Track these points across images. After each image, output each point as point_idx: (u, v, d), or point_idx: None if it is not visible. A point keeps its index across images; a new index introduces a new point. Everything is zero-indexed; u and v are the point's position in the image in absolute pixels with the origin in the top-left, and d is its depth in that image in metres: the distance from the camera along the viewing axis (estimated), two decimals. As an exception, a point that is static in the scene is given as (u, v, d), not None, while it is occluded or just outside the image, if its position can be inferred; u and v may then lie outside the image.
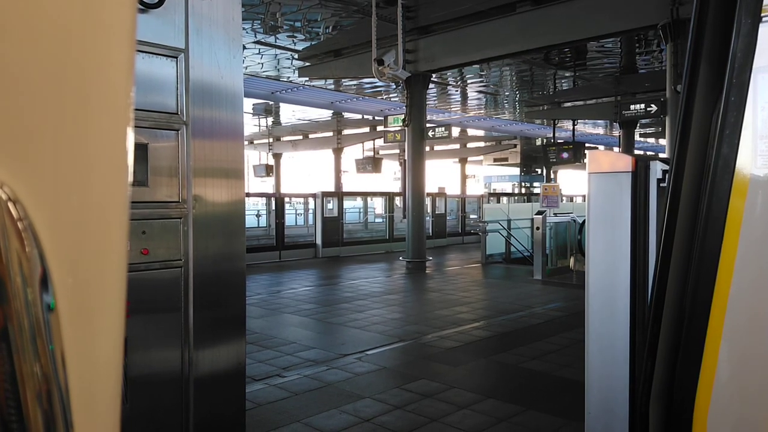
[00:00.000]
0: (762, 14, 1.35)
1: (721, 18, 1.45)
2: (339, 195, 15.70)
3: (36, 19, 0.37)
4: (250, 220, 19.14)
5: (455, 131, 24.57)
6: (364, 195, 20.95)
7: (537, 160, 28.62)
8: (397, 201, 17.49)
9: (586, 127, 25.03)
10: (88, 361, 0.44)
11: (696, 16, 1.47)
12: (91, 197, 0.41)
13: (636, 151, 24.57)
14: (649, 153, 28.40)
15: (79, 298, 0.42)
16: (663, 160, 2.09)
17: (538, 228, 10.77)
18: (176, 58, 2.67)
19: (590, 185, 2.19)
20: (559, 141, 19.15)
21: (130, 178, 0.45)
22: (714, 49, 1.46)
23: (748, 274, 1.36)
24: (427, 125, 13.09)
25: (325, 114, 22.02)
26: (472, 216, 20.10)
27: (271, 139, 26.58)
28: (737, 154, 1.36)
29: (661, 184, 2.03)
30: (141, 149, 2.56)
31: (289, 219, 20.04)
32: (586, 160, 2.28)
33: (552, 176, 29.07)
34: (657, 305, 1.52)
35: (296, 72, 14.81)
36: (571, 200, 21.28)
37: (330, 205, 14.79)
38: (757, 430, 1.36)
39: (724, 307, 1.38)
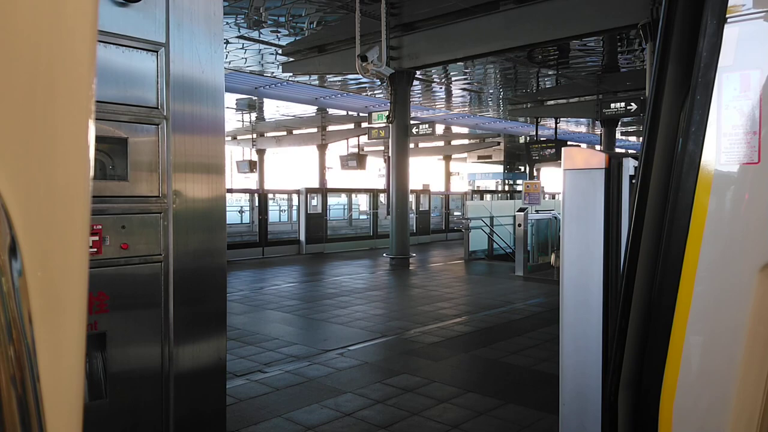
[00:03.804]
0: (726, 15, 1.39)
1: (689, 19, 1.49)
2: (323, 191, 15.68)
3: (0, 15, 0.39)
4: (233, 216, 19.05)
5: (439, 128, 24.66)
6: (349, 191, 20.95)
7: (520, 157, 28.82)
8: (382, 198, 17.51)
9: (569, 125, 25.27)
10: (56, 352, 0.45)
11: (664, 18, 1.52)
12: (55, 187, 0.42)
13: (618, 150, 24.85)
14: (630, 151, 28.76)
15: (48, 288, 0.44)
16: (635, 157, 2.14)
17: (519, 225, 10.88)
18: (156, 52, 2.66)
19: (565, 181, 2.23)
20: (542, 139, 19.30)
21: (92, 169, 0.46)
22: (681, 49, 1.51)
23: (712, 267, 1.41)
24: (412, 122, 13.12)
25: (310, 110, 21.95)
26: (455, 213, 20.20)
27: (254, 135, 26.42)
28: (702, 151, 1.41)
29: (633, 181, 2.08)
30: (121, 144, 2.55)
31: (273, 215, 19.96)
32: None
33: (535, 174, 29.29)
34: (626, 298, 1.57)
35: (280, 67, 14.75)
36: (553, 197, 21.48)
37: (314, 202, 14.77)
38: (721, 417, 1.41)
39: (689, 299, 1.42)
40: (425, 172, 32.28)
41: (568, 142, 20.70)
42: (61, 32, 0.41)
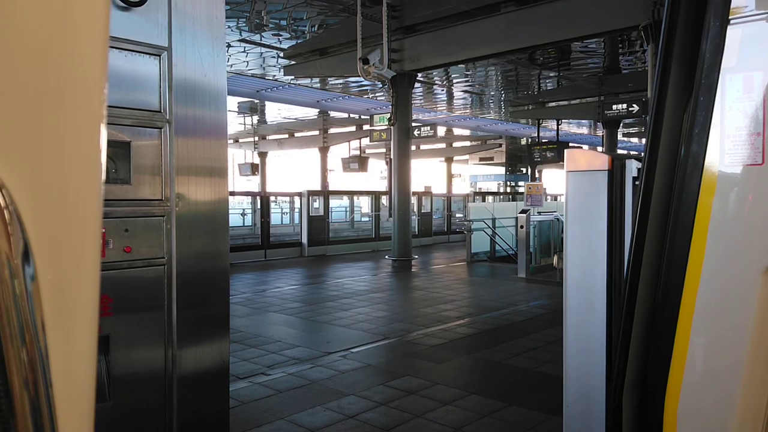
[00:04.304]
0: (729, 17, 1.39)
1: (691, 21, 1.49)
2: (325, 194, 15.70)
3: (13, 20, 0.39)
4: (236, 219, 19.07)
5: (441, 130, 24.67)
6: (351, 194, 20.96)
7: (522, 159, 28.84)
8: (384, 200, 17.52)
9: (571, 127, 25.26)
10: (68, 355, 0.45)
11: (667, 19, 1.52)
12: (68, 191, 0.43)
13: (620, 151, 24.84)
14: (633, 153, 28.75)
15: (59, 292, 0.44)
16: (638, 159, 2.14)
17: (522, 226, 10.87)
18: (159, 56, 2.66)
19: (568, 183, 2.23)
20: (543, 141, 19.30)
21: (104, 174, 0.46)
22: (684, 51, 1.51)
23: (716, 268, 1.41)
24: (413, 124, 13.12)
25: (311, 113, 21.99)
26: (457, 215, 20.19)
27: (256, 138, 26.47)
28: (706, 153, 1.41)
29: (637, 182, 2.08)
30: (124, 147, 2.55)
31: (275, 218, 19.97)
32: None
33: (537, 175, 29.28)
34: (630, 300, 1.57)
35: (282, 70, 14.77)
36: (555, 199, 21.47)
37: (316, 204, 14.78)
38: (726, 418, 1.41)
39: (693, 301, 1.42)
40: (427, 174, 32.28)
41: (570, 144, 20.69)
42: (72, 37, 0.41)
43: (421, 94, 18.14)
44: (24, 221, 0.39)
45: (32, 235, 0.40)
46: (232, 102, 19.20)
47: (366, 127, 17.99)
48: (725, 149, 1.38)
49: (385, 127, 12.97)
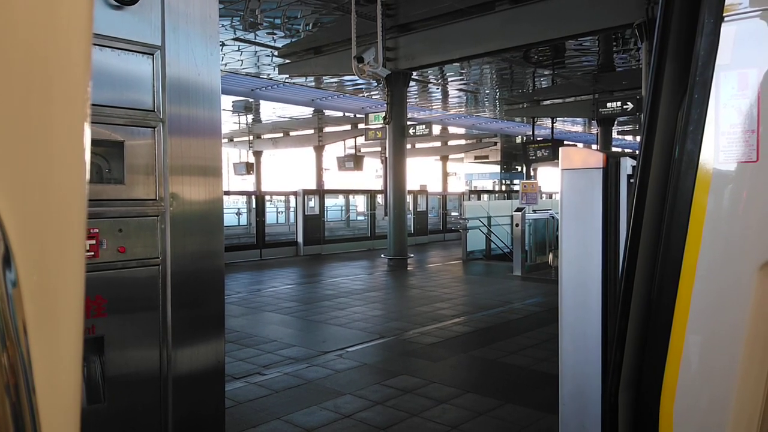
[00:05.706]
0: (724, 14, 1.39)
1: (686, 18, 1.49)
2: (320, 193, 15.67)
3: None
4: (231, 219, 19.03)
5: (436, 129, 24.70)
6: (346, 193, 20.95)
7: (517, 157, 28.87)
8: (379, 199, 17.50)
9: (565, 125, 25.32)
10: (52, 359, 0.44)
11: (661, 16, 1.52)
12: (51, 192, 0.42)
13: (615, 149, 24.91)
14: (627, 150, 28.82)
15: (42, 295, 0.43)
16: (633, 157, 2.14)
17: (517, 225, 10.89)
18: (152, 55, 2.65)
19: (563, 181, 2.23)
20: (538, 138, 19.32)
21: (88, 174, 0.45)
22: (679, 48, 1.50)
23: (711, 266, 1.41)
24: (408, 123, 13.12)
25: (306, 111, 21.96)
26: (453, 213, 20.21)
27: (251, 137, 26.42)
28: (701, 150, 1.40)
29: (631, 180, 2.08)
30: (117, 147, 2.54)
31: (270, 217, 19.93)
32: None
33: (532, 173, 29.32)
34: (625, 298, 1.57)
35: (276, 69, 14.74)
36: (551, 197, 21.50)
37: (311, 203, 14.76)
38: (721, 416, 1.41)
39: (689, 298, 1.42)
40: (422, 172, 32.30)
41: (565, 142, 20.74)
42: (55, 35, 0.41)
43: (416, 92, 18.14)
44: (4, 224, 0.38)
45: (13, 238, 0.39)
46: (227, 101, 19.15)
47: (361, 125, 17.98)
48: (720, 146, 1.38)
49: (380, 125, 12.95)
